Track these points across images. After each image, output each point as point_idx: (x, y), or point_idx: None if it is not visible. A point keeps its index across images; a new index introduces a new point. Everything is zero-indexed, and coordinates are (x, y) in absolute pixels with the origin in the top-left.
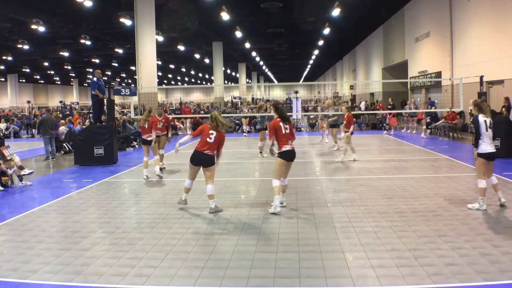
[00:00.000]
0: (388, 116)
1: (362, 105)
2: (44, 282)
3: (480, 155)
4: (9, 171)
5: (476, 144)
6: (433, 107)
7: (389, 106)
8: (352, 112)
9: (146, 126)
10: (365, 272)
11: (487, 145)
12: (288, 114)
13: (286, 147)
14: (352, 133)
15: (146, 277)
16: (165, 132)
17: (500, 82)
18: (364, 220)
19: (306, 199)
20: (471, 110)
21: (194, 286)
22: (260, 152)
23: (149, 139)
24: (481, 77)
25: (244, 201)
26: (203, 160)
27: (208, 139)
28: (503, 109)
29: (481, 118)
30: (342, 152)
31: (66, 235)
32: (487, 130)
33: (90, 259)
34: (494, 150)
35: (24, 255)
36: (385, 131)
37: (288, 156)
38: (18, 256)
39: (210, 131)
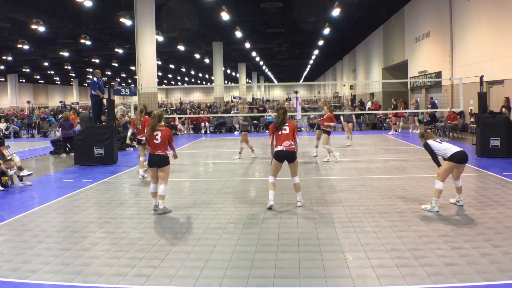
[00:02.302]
0: (391, 116)
1: (369, 104)
2: (44, 282)
3: (451, 158)
4: (10, 172)
5: (438, 163)
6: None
7: (392, 106)
8: (353, 112)
9: (140, 126)
10: (365, 272)
11: (451, 150)
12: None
13: (278, 148)
14: (329, 134)
15: (146, 277)
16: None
17: (500, 82)
18: (364, 220)
19: (306, 199)
20: (471, 110)
21: (194, 286)
22: (239, 153)
23: (143, 138)
24: (481, 77)
25: (244, 201)
26: (156, 161)
27: (155, 141)
28: (503, 109)
29: (430, 141)
30: (326, 152)
31: (66, 235)
32: (441, 143)
33: (90, 259)
34: (461, 149)
35: (24, 255)
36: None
37: (277, 156)
38: (18, 256)
39: (155, 133)
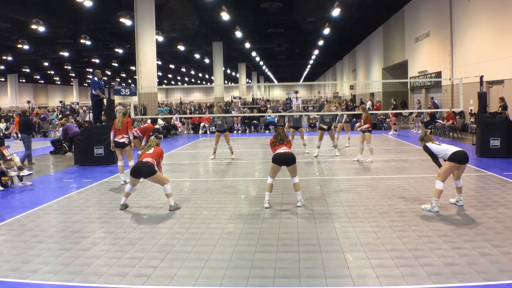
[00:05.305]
0: (391, 116)
1: (369, 104)
2: (44, 282)
3: (451, 159)
4: (12, 173)
5: (439, 164)
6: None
7: (392, 106)
8: (353, 112)
9: (121, 128)
10: (365, 272)
11: (451, 150)
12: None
13: (276, 151)
14: (371, 132)
15: (146, 277)
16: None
17: (500, 82)
18: (364, 220)
19: (306, 199)
20: (471, 110)
21: (194, 286)
22: (214, 152)
23: (121, 140)
24: (481, 77)
25: (244, 201)
26: (142, 170)
27: (147, 152)
28: (500, 109)
29: (429, 144)
30: (370, 152)
31: (66, 235)
32: (440, 144)
33: (90, 259)
34: (460, 148)
35: (24, 255)
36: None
37: (276, 160)
38: (18, 256)
39: (149, 150)
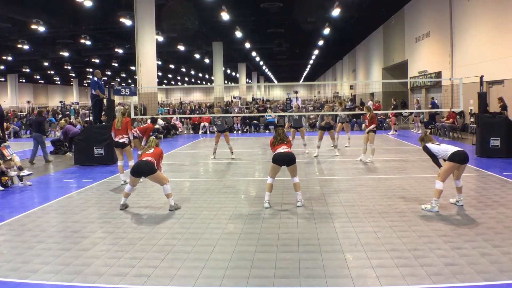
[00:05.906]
0: (391, 116)
1: (370, 104)
2: (44, 282)
3: (451, 159)
4: (12, 173)
5: (438, 164)
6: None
7: (392, 106)
8: (352, 112)
9: (121, 128)
10: (365, 272)
11: (451, 150)
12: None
13: (276, 151)
14: (375, 132)
15: (146, 277)
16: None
17: (500, 82)
18: (364, 220)
19: (306, 199)
20: (471, 110)
21: (194, 286)
22: (214, 152)
23: (121, 140)
24: (481, 77)
25: (244, 201)
26: (143, 168)
27: (148, 152)
28: (500, 109)
29: (429, 144)
30: (370, 152)
31: (66, 235)
32: (440, 145)
33: (90, 259)
34: (460, 148)
35: (24, 255)
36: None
37: (276, 160)
38: (18, 256)
39: (149, 150)
